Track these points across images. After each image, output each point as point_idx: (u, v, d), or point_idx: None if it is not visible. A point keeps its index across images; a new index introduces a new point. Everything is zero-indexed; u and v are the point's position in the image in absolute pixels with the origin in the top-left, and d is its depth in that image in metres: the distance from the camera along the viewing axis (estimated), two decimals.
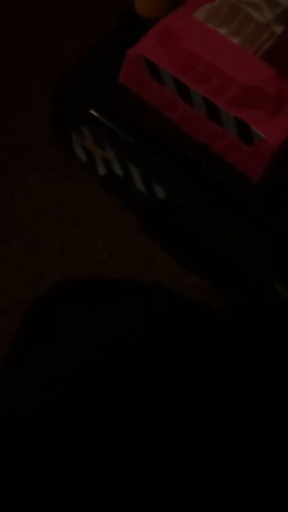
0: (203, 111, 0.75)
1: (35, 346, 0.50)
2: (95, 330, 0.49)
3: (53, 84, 0.89)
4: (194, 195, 0.80)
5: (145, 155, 0.81)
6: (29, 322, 0.53)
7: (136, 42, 0.76)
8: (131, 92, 0.80)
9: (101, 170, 0.92)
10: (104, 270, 0.96)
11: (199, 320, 0.51)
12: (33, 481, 0.44)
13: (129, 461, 0.44)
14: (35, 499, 0.43)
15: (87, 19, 0.98)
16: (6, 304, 0.92)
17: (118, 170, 0.88)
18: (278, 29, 0.72)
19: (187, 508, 0.43)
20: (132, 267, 0.96)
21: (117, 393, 0.45)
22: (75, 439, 0.44)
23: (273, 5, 0.71)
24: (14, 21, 1.07)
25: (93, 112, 0.83)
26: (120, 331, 0.48)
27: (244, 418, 0.47)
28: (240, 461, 0.45)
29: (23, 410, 0.47)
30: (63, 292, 0.54)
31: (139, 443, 0.44)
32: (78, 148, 0.92)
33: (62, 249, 0.97)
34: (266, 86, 0.71)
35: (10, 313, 0.91)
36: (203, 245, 0.86)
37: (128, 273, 0.95)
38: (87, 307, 0.51)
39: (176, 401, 0.46)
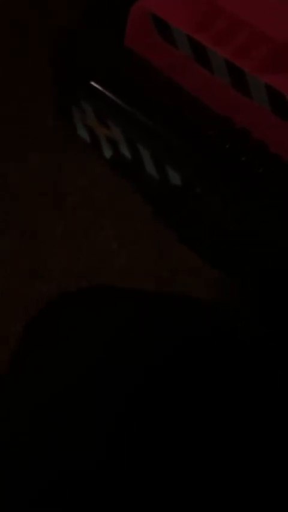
0: (225, 78, 0.69)
1: (37, 359, 0.52)
2: (96, 336, 0.51)
3: (53, 49, 0.86)
4: (215, 180, 0.76)
5: (156, 133, 0.77)
6: (28, 337, 0.55)
7: None
8: (139, 57, 0.75)
9: (107, 152, 0.87)
10: (109, 265, 0.93)
11: (197, 320, 0.53)
12: (32, 478, 0.45)
13: (129, 461, 0.45)
14: (32, 497, 0.45)
15: None
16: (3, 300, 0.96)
17: (126, 152, 0.83)
18: None
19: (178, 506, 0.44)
20: (142, 260, 0.94)
21: (115, 394, 0.47)
22: (75, 438, 0.46)
23: None
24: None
25: (94, 83, 0.78)
26: (118, 334, 0.50)
27: (243, 418, 0.47)
28: (238, 463, 0.46)
29: (22, 412, 0.48)
30: (60, 306, 0.56)
31: (140, 443, 0.45)
32: (80, 128, 0.88)
33: (63, 238, 0.96)
34: None
35: (8, 311, 0.93)
36: (226, 237, 0.82)
37: (138, 267, 0.93)
38: (86, 317, 0.53)
39: (174, 401, 0.47)
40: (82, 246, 0.94)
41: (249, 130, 0.71)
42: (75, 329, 0.52)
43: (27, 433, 0.47)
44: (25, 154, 0.98)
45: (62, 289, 0.89)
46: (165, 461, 0.45)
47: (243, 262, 0.82)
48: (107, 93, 0.77)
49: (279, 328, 0.72)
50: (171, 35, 0.69)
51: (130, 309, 0.53)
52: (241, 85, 0.68)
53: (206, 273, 0.88)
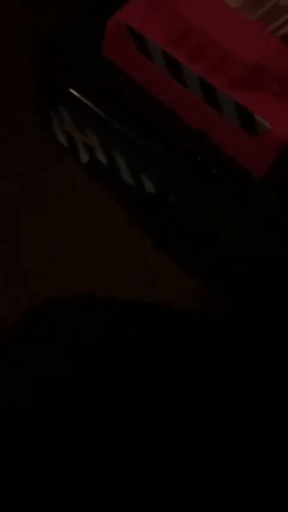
0: (198, 94, 0.69)
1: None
2: (89, 331, 0.51)
3: (35, 55, 0.85)
4: (187, 190, 0.76)
5: (131, 142, 0.76)
6: (22, 331, 0.55)
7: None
8: (117, 68, 0.75)
9: (84, 157, 0.86)
10: (90, 271, 0.92)
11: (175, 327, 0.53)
12: (22, 478, 0.45)
13: (123, 457, 0.45)
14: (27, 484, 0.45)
15: None
16: None
17: (102, 158, 0.83)
18: None
19: (174, 499, 0.44)
20: (123, 267, 0.93)
21: (107, 390, 0.47)
22: (69, 436, 0.46)
23: None
24: None
25: (72, 90, 0.78)
26: (111, 330, 0.50)
27: (241, 419, 0.47)
28: (238, 462, 0.46)
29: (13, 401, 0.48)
30: (58, 305, 0.57)
31: (136, 441, 0.45)
32: (59, 133, 0.88)
33: (44, 241, 0.94)
34: (274, 65, 0.64)
35: None
36: (200, 245, 0.81)
37: (119, 274, 0.92)
38: (84, 318, 0.53)
39: (170, 396, 0.47)
40: (63, 251, 0.92)
41: (220, 144, 0.71)
42: (73, 328, 0.51)
43: (20, 431, 0.46)
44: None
45: (40, 295, 0.86)
46: (163, 458, 0.44)
47: (218, 270, 0.82)
48: (84, 100, 0.77)
49: (263, 333, 0.73)
50: (147, 49, 0.69)
51: (128, 311, 0.53)
52: (212, 101, 0.68)
53: (187, 280, 0.87)
